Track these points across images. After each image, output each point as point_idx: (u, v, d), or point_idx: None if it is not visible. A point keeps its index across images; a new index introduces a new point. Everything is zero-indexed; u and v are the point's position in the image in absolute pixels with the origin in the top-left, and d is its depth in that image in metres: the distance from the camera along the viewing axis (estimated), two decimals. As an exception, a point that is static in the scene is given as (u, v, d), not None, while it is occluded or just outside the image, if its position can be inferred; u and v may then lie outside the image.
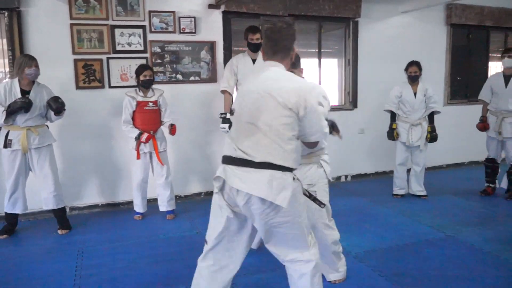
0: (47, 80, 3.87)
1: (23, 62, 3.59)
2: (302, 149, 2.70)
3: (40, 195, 3.86)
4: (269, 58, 2.09)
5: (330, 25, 5.55)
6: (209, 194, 4.59)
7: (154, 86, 4.21)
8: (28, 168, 3.80)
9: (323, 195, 2.76)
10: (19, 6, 4.05)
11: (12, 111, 3.55)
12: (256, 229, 2.09)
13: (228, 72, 4.39)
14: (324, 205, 2.25)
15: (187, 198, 4.93)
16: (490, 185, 4.91)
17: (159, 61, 4.62)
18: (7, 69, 4.19)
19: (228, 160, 2.00)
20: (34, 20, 4.15)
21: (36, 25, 4.16)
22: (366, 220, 4.12)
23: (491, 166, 4.86)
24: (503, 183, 4.83)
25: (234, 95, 4.41)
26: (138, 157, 4.08)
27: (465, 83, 6.47)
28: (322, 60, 5.53)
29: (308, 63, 5.35)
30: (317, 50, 5.46)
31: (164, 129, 4.22)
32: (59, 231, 3.90)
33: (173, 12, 4.60)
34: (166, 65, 4.66)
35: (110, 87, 4.47)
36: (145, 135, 4.00)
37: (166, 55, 4.64)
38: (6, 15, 4.07)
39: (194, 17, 4.67)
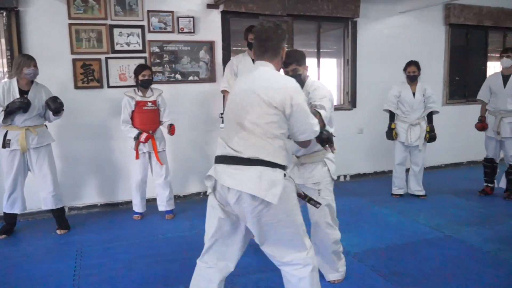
0: (46, 80, 3.86)
1: (21, 62, 3.59)
2: (307, 148, 2.71)
3: (39, 195, 3.85)
4: (259, 58, 2.13)
5: (329, 25, 5.55)
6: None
7: (153, 86, 4.20)
8: (27, 168, 3.79)
9: (327, 194, 2.76)
10: (17, 6, 4.04)
11: (10, 111, 3.54)
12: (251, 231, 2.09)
13: (228, 72, 4.39)
14: (320, 204, 2.24)
15: (186, 198, 4.93)
16: (489, 184, 4.92)
17: (158, 61, 4.62)
18: (6, 69, 4.18)
19: (219, 159, 2.02)
20: (33, 20, 4.14)
21: (34, 25, 4.15)
22: (365, 220, 4.12)
23: (489, 166, 4.87)
24: (502, 183, 4.83)
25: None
26: (137, 157, 4.08)
27: (463, 83, 6.48)
28: (321, 60, 5.54)
29: (307, 63, 5.35)
30: (316, 50, 5.46)
31: (163, 129, 4.22)
32: (58, 231, 3.89)
33: (172, 12, 4.59)
34: (165, 65, 4.66)
35: (108, 87, 4.46)
36: (144, 135, 4.00)
37: (165, 55, 4.64)
38: (4, 14, 4.06)
39: (193, 17, 4.67)
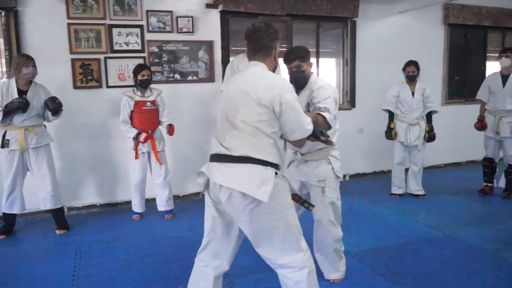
0: (45, 80, 3.86)
1: (20, 61, 3.58)
2: (311, 145, 2.70)
3: (38, 195, 3.85)
4: (251, 58, 2.14)
5: (328, 24, 5.55)
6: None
7: (152, 85, 4.20)
8: (26, 168, 3.79)
9: (331, 192, 2.76)
10: (16, 6, 4.03)
11: (9, 111, 3.53)
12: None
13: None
14: (313, 206, 2.21)
15: (185, 198, 4.92)
16: (488, 184, 4.92)
17: (156, 60, 4.61)
18: (4, 69, 4.17)
19: (213, 157, 2.03)
20: (31, 20, 4.14)
21: (33, 24, 4.14)
22: (364, 219, 4.12)
23: (489, 166, 4.87)
24: (501, 183, 4.83)
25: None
26: (136, 157, 4.07)
27: (462, 83, 6.48)
28: (320, 59, 5.54)
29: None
30: (315, 50, 5.46)
31: (162, 129, 4.22)
32: (57, 231, 3.89)
33: (171, 11, 4.59)
34: (164, 65, 4.65)
35: (107, 86, 4.46)
36: (143, 135, 4.00)
37: (164, 55, 4.63)
38: (3, 14, 4.05)
39: (192, 17, 4.67)
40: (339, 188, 2.89)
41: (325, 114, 2.51)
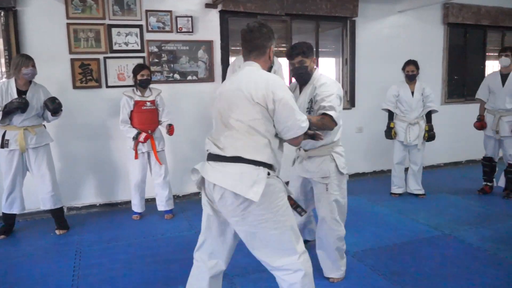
0: (44, 80, 3.86)
1: (20, 61, 3.57)
2: (313, 142, 2.69)
3: (38, 195, 3.85)
4: (246, 58, 2.15)
5: (328, 24, 5.55)
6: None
7: (151, 85, 4.20)
8: (26, 168, 3.78)
9: (335, 189, 2.73)
10: (15, 6, 4.03)
11: (8, 111, 3.53)
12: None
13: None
14: (305, 212, 2.20)
15: (185, 197, 4.92)
16: (488, 183, 4.93)
17: (156, 60, 4.61)
18: (4, 69, 4.17)
19: (208, 157, 2.04)
20: (31, 20, 4.13)
21: (32, 24, 4.14)
22: (364, 219, 4.12)
23: (488, 165, 4.87)
24: (501, 182, 4.83)
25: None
26: (136, 157, 4.07)
27: (462, 82, 6.48)
28: (320, 59, 5.54)
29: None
30: (314, 49, 5.46)
31: (162, 129, 4.22)
32: (57, 231, 3.88)
33: (170, 11, 4.59)
34: (164, 65, 4.65)
35: (107, 86, 4.46)
36: (143, 135, 3.99)
37: (163, 55, 4.63)
38: (2, 14, 4.05)
39: (191, 17, 4.66)
40: (345, 186, 2.86)
41: (331, 113, 2.50)
